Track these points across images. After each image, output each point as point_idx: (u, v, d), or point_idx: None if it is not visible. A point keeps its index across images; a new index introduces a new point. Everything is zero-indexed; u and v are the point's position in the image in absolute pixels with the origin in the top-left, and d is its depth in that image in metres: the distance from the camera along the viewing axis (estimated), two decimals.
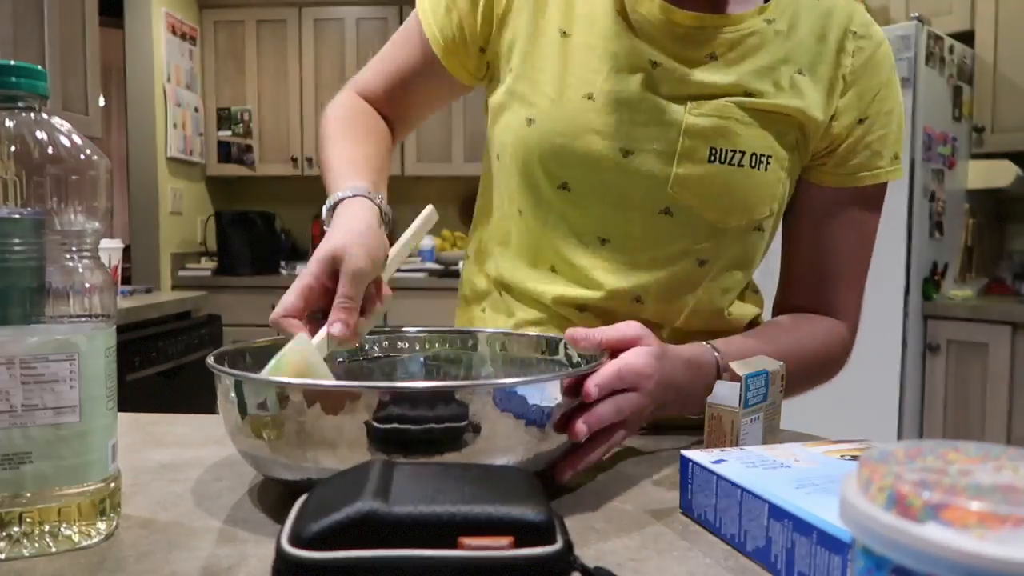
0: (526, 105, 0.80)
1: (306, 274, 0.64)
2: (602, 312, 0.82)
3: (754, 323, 0.91)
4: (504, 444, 0.54)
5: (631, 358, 0.62)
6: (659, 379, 0.64)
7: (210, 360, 0.60)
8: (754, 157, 0.76)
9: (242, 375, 0.56)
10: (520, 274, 0.87)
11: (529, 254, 0.86)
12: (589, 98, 0.78)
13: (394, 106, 0.92)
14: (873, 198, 0.83)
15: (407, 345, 0.81)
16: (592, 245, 0.81)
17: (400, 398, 0.52)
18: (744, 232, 0.81)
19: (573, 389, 0.58)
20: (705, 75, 0.77)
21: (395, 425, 0.51)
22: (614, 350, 0.64)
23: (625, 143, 0.77)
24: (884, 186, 0.83)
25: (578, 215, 0.81)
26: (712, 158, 0.76)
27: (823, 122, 0.79)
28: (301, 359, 0.59)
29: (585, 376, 0.59)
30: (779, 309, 0.89)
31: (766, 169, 0.77)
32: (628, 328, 0.66)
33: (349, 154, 0.82)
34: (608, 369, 0.60)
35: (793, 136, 0.78)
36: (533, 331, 0.83)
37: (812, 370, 0.82)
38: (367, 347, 0.80)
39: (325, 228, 0.71)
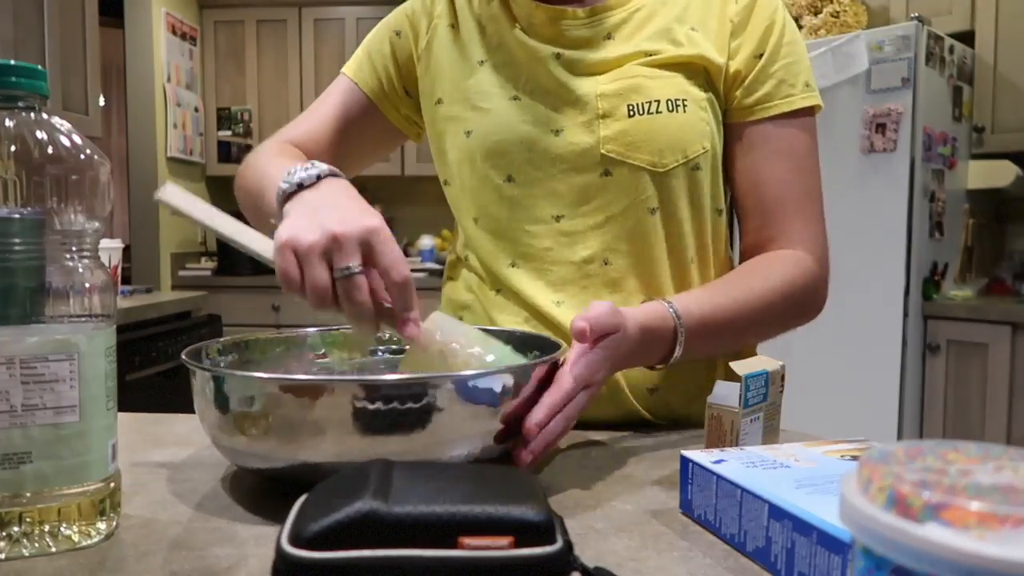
0: (462, 122, 0.89)
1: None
2: (579, 290, 0.86)
3: None
4: (463, 429, 0.56)
5: (581, 366, 0.63)
6: (611, 367, 0.67)
7: (185, 356, 0.61)
8: (670, 103, 0.83)
9: (221, 371, 0.57)
10: (493, 274, 0.90)
11: (493, 253, 0.89)
12: (515, 99, 0.87)
13: (328, 154, 0.96)
14: (797, 125, 0.87)
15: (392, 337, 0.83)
16: (548, 223, 0.86)
17: (370, 389, 0.53)
18: (685, 174, 0.85)
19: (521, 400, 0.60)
20: (606, 52, 0.86)
21: (365, 406, 0.52)
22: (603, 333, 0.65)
23: (553, 124, 0.86)
24: (809, 116, 0.88)
25: (530, 201, 0.87)
26: (631, 113, 0.83)
27: (723, 63, 0.86)
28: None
29: (535, 367, 0.61)
30: (742, 260, 0.90)
31: (684, 111, 0.83)
32: (599, 311, 0.66)
33: (291, 156, 0.88)
34: (555, 392, 0.61)
35: (701, 79, 0.85)
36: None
37: (778, 305, 0.81)
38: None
39: (285, 210, 0.69)
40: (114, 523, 0.53)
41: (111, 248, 2.42)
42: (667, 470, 0.68)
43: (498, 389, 0.57)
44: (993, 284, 2.97)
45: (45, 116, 0.51)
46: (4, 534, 0.48)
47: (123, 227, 4.24)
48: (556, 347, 0.68)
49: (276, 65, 4.05)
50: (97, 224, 0.51)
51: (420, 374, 0.58)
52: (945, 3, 2.87)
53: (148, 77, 3.67)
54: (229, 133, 4.08)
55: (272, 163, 0.83)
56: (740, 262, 0.89)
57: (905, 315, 2.60)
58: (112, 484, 0.52)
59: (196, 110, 4.01)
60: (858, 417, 2.68)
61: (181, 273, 3.85)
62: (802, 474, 0.51)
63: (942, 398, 2.64)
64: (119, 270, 2.66)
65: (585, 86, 0.85)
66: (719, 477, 0.53)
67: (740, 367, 0.66)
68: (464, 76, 0.90)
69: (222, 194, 4.33)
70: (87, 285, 0.50)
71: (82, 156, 0.50)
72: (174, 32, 3.81)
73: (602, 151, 0.84)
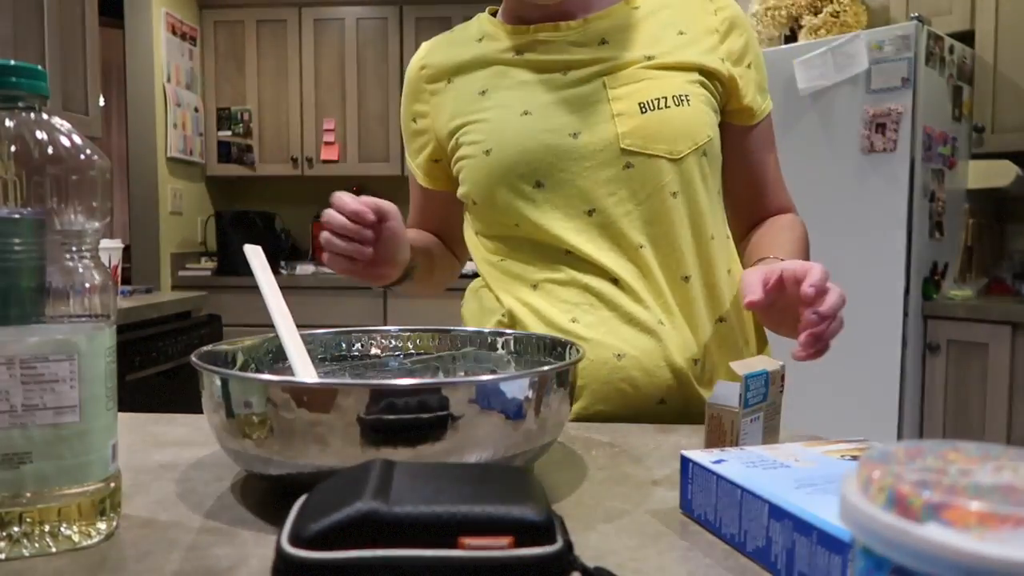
0: (478, 145, 0.95)
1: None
2: (628, 272, 0.92)
3: None
4: (482, 436, 0.55)
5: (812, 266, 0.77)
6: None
7: (194, 359, 0.60)
8: (676, 98, 0.92)
9: (229, 373, 0.56)
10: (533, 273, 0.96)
11: (534, 255, 0.95)
12: (526, 114, 0.93)
13: (438, 227, 1.15)
14: (769, 120, 1.04)
15: (389, 343, 0.82)
16: (582, 219, 0.92)
17: (384, 394, 0.52)
18: (696, 159, 0.93)
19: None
20: (608, 56, 0.94)
21: (381, 416, 0.52)
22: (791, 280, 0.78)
23: (569, 128, 0.92)
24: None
25: (561, 201, 0.92)
26: (643, 109, 0.91)
27: (717, 68, 0.95)
28: None
29: (550, 371, 0.60)
30: (744, 231, 1.06)
31: (688, 104, 0.92)
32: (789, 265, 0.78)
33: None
34: (816, 272, 0.76)
35: (695, 77, 0.94)
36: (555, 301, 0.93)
37: (807, 246, 1.00)
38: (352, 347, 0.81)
39: None
40: (114, 523, 0.53)
41: (111, 248, 2.42)
42: (667, 470, 0.68)
43: (520, 396, 0.56)
44: (993, 284, 2.97)
45: (45, 116, 0.51)
46: (4, 534, 0.48)
47: (123, 227, 4.25)
48: (576, 350, 0.68)
49: (276, 65, 4.05)
50: (97, 224, 0.51)
51: (435, 380, 0.57)
52: (945, 3, 2.87)
53: (148, 77, 3.67)
54: (229, 133, 4.08)
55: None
56: (739, 234, 1.06)
57: (905, 315, 2.60)
58: (112, 484, 0.52)
59: (196, 110, 4.01)
60: (858, 417, 2.68)
61: (181, 273, 3.85)
62: (802, 474, 0.51)
63: (942, 398, 2.64)
64: (119, 270, 2.66)
65: (594, 91, 0.93)
66: (719, 477, 0.53)
67: (740, 367, 0.66)
68: (471, 106, 0.97)
69: (222, 194, 4.33)
70: (87, 285, 0.50)
71: (82, 156, 0.50)
72: (174, 32, 3.81)
73: (622, 146, 0.90)
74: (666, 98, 0.91)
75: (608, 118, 0.91)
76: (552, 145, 0.92)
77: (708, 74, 0.94)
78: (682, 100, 0.91)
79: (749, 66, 0.98)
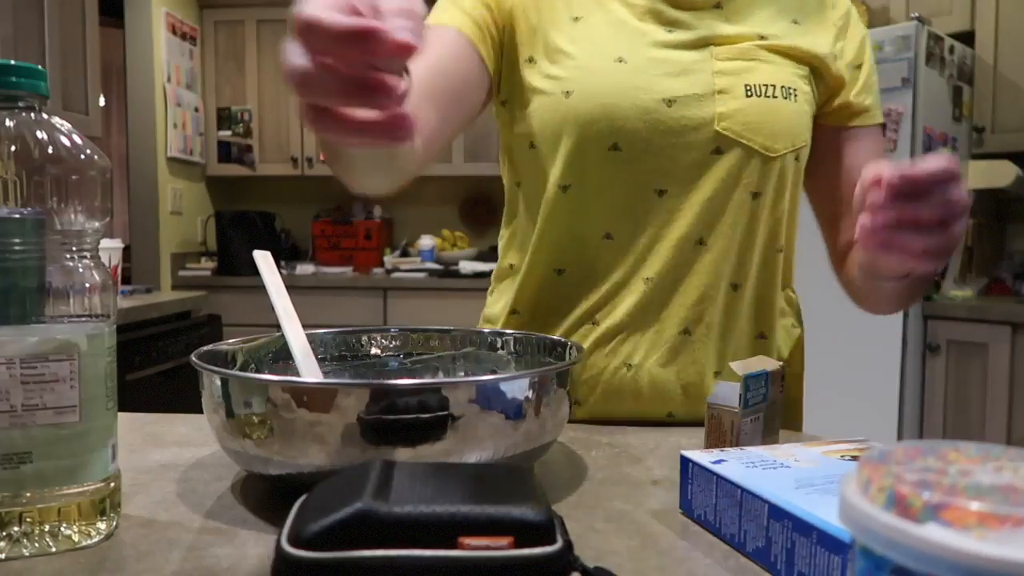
0: (558, 82, 0.83)
1: None
2: (668, 270, 0.84)
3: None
4: (482, 436, 0.54)
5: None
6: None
7: (194, 358, 0.60)
8: (784, 89, 0.83)
9: (230, 373, 0.57)
10: (577, 245, 0.86)
11: (578, 230, 0.86)
12: (620, 61, 0.82)
13: (425, 103, 0.76)
14: (878, 135, 0.93)
15: (389, 343, 0.82)
16: (649, 199, 0.83)
17: (384, 394, 0.52)
18: (791, 161, 0.85)
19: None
20: (719, 24, 0.84)
21: (381, 416, 0.52)
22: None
23: (665, 94, 0.81)
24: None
25: (632, 172, 0.83)
26: (749, 93, 0.81)
27: (831, 64, 0.86)
28: None
29: (552, 371, 0.60)
30: (842, 252, 0.92)
31: (795, 100, 0.83)
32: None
33: None
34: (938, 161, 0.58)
35: (806, 72, 0.86)
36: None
37: None
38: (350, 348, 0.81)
39: None
40: (114, 523, 0.53)
41: (111, 248, 2.42)
42: (667, 470, 0.68)
43: (520, 396, 0.56)
44: (993, 284, 2.97)
45: (45, 116, 0.51)
46: (4, 534, 0.48)
47: (123, 227, 4.24)
48: (576, 350, 0.68)
49: (276, 65, 4.05)
50: (97, 224, 0.51)
51: (436, 380, 0.57)
52: (945, 3, 2.87)
53: (148, 77, 3.67)
54: (229, 133, 4.08)
55: None
56: (837, 260, 0.93)
57: (905, 315, 2.60)
58: (112, 484, 0.52)
59: (196, 110, 4.01)
60: (858, 417, 2.68)
61: (181, 273, 3.85)
62: (802, 474, 0.51)
63: (942, 398, 2.64)
64: (119, 270, 2.66)
65: (701, 60, 0.83)
66: (719, 477, 0.53)
67: (740, 367, 0.66)
68: (559, 32, 0.85)
69: (222, 194, 4.33)
70: (87, 285, 0.50)
71: (82, 156, 0.50)
72: (174, 32, 3.81)
73: (717, 128, 0.81)
74: (774, 87, 0.82)
75: (709, 93, 0.81)
76: (644, 108, 0.81)
77: (817, 72, 0.86)
78: (790, 93, 0.83)
79: (861, 67, 0.90)
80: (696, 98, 0.81)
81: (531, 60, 0.86)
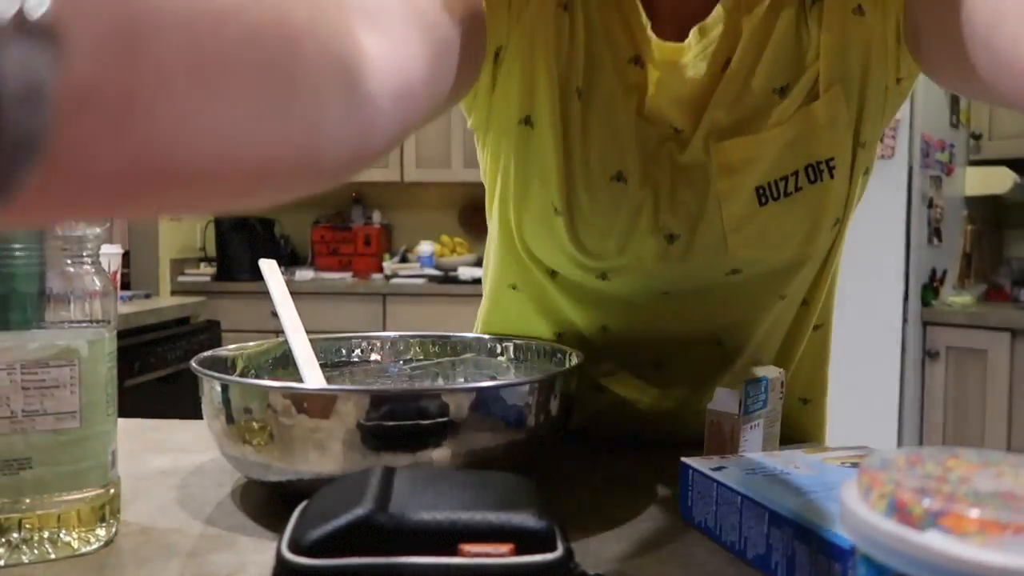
0: (546, 185, 0.64)
1: None
2: (679, 349, 0.73)
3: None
4: (483, 442, 0.55)
5: None
6: None
7: (194, 364, 0.60)
8: (813, 170, 0.61)
9: (230, 379, 0.57)
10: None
11: (570, 315, 0.74)
12: (620, 180, 0.63)
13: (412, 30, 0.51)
14: None
15: (389, 349, 0.82)
16: (651, 301, 0.70)
17: (384, 400, 0.52)
18: (826, 238, 0.67)
19: None
20: (734, 105, 0.62)
21: (381, 423, 0.52)
22: None
23: (667, 226, 0.65)
24: None
25: (627, 287, 0.69)
26: (762, 199, 0.62)
27: (884, 28, 0.60)
28: None
29: (550, 378, 0.59)
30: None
31: (833, 176, 0.62)
32: None
33: None
34: None
35: (854, 87, 0.61)
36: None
37: None
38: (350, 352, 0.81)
39: None
40: (113, 529, 0.53)
41: (111, 253, 2.42)
42: (667, 477, 0.67)
43: (520, 403, 0.55)
44: (992, 290, 2.98)
45: None
46: (3, 540, 0.48)
47: (123, 233, 4.24)
48: (576, 356, 0.68)
49: None
50: (97, 230, 0.51)
51: (436, 386, 0.57)
52: None
53: None
54: None
55: None
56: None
57: (904, 321, 2.60)
58: (112, 490, 0.52)
59: None
60: (858, 423, 2.68)
61: (180, 278, 3.85)
62: (802, 481, 0.51)
63: (941, 404, 2.64)
64: (119, 275, 2.66)
65: (694, 155, 0.63)
66: (719, 484, 0.53)
67: (740, 373, 0.66)
68: (558, 103, 0.63)
69: None
70: (87, 291, 0.50)
71: None
72: None
73: (730, 253, 0.64)
74: (797, 174, 0.61)
75: (713, 207, 0.62)
76: (640, 245, 0.65)
77: (876, 53, 0.60)
78: (820, 172, 0.61)
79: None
80: (700, 221, 0.64)
81: (527, 122, 0.65)
